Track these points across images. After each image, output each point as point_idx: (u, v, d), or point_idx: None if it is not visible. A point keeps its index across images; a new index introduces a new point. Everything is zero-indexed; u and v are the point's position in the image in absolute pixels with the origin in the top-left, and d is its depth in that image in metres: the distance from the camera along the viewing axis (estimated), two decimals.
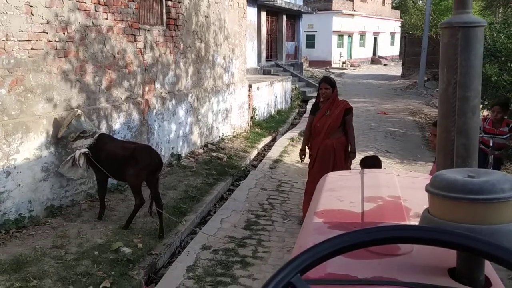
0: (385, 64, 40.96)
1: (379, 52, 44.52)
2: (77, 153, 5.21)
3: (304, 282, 0.86)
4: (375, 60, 42.74)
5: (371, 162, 4.76)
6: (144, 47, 7.12)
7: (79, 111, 5.49)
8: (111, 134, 6.21)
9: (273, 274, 0.87)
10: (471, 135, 1.58)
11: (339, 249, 0.94)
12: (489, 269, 1.27)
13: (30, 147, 5.15)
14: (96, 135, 5.36)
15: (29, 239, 4.83)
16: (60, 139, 5.49)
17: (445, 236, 0.95)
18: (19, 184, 5.04)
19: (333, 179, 2.39)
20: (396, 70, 32.24)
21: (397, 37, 47.31)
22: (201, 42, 8.92)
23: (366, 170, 2.50)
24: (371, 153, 9.62)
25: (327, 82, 5.53)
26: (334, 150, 5.51)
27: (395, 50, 47.97)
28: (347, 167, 5.51)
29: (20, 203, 5.07)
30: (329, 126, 5.48)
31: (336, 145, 5.51)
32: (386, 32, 45.48)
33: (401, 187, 2.05)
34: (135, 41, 6.88)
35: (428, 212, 1.26)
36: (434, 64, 20.75)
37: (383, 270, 1.30)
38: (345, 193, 2.08)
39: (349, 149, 5.59)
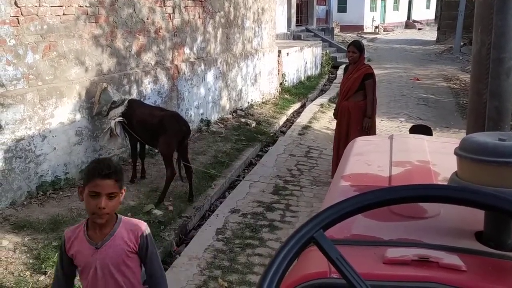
0: (419, 29, 39.60)
1: (414, 16, 43.00)
2: (113, 123, 5.30)
3: (327, 238, 0.87)
4: (409, 24, 41.35)
5: (422, 131, 4.62)
6: (173, 12, 7.09)
7: (104, 84, 5.54)
8: (141, 99, 6.29)
9: (296, 229, 0.88)
10: (504, 98, 1.53)
11: (363, 206, 0.92)
12: None
13: (64, 111, 5.28)
14: (126, 102, 5.44)
15: (65, 200, 5.02)
16: (96, 115, 5.61)
17: (474, 196, 0.92)
18: (55, 148, 5.20)
19: (362, 144, 2.38)
20: (431, 34, 31.16)
21: (433, 0, 45.51)
22: (230, 6, 8.82)
23: (395, 135, 2.48)
24: (402, 120, 9.47)
25: (356, 46, 5.66)
26: (350, 112, 5.65)
27: (430, 14, 46.21)
28: (364, 131, 5.50)
29: (56, 166, 5.25)
30: (346, 88, 5.66)
31: (352, 108, 5.64)
32: None
33: (430, 152, 2.02)
34: (164, 5, 6.85)
35: (456, 175, 1.25)
36: (472, 28, 19.89)
37: (409, 232, 1.30)
38: (373, 158, 2.07)
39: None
